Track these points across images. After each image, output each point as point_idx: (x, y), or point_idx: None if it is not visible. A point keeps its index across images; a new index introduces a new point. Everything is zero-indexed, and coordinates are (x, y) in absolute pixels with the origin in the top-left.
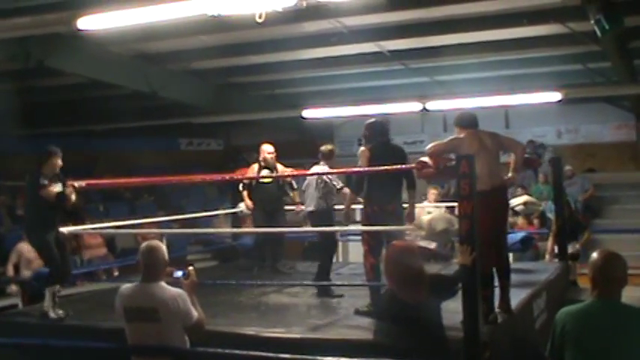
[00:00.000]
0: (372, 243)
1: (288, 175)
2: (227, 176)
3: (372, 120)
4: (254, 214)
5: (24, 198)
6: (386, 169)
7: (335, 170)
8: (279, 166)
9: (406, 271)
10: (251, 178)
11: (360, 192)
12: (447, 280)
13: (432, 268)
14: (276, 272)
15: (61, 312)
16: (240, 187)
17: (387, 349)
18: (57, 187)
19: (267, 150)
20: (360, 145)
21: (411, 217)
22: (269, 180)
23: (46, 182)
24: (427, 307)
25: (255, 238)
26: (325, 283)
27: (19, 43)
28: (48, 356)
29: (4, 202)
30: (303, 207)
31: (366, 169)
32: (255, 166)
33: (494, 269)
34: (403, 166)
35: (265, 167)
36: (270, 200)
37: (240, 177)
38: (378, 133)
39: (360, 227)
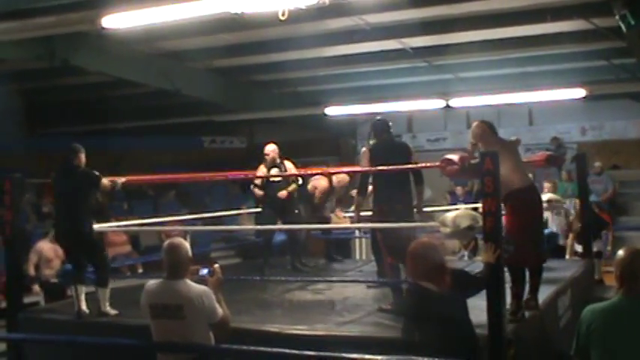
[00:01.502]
0: (388, 243)
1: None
2: (250, 174)
3: (376, 119)
4: (263, 213)
5: (54, 196)
6: (392, 169)
7: (341, 170)
8: (288, 164)
9: (429, 264)
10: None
11: (364, 193)
12: (471, 276)
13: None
14: (297, 270)
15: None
16: (252, 187)
17: (415, 346)
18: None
19: (267, 150)
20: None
21: (421, 214)
22: (278, 179)
23: None
24: (453, 299)
25: (263, 236)
26: (349, 279)
27: (44, 42)
28: (73, 352)
29: (30, 199)
30: None
31: (370, 168)
32: (262, 167)
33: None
34: (426, 163)
35: (273, 166)
36: (278, 199)
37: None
38: (379, 131)
39: (385, 225)
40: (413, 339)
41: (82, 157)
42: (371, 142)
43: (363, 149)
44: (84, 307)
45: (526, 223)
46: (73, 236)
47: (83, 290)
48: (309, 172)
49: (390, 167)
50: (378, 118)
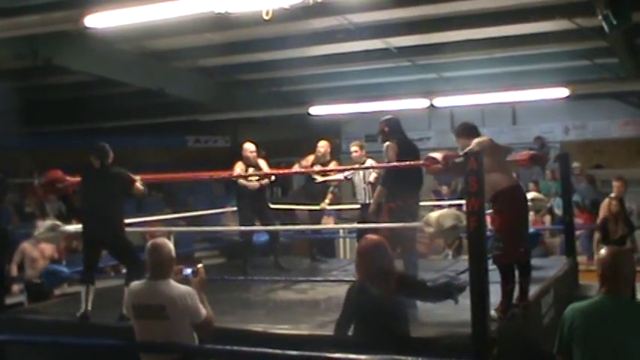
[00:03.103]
0: (392, 240)
1: (271, 174)
2: (234, 173)
3: (389, 117)
4: (241, 213)
5: (84, 197)
6: (398, 165)
7: (350, 167)
8: (263, 164)
9: (374, 265)
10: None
11: (389, 186)
12: (421, 287)
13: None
14: (279, 269)
15: None
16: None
17: (346, 342)
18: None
19: (250, 149)
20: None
21: None
22: (255, 178)
23: None
24: (392, 303)
25: (243, 236)
26: (333, 279)
27: (27, 42)
28: (56, 353)
29: (12, 199)
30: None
31: (394, 164)
32: (240, 165)
33: (514, 264)
34: (413, 162)
35: (249, 166)
36: (256, 199)
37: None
38: (398, 129)
39: (382, 224)
40: (343, 334)
41: (112, 156)
42: (393, 138)
43: (388, 143)
44: (90, 307)
45: (513, 221)
46: (105, 237)
47: (93, 291)
48: (288, 171)
49: (393, 164)
50: (390, 116)
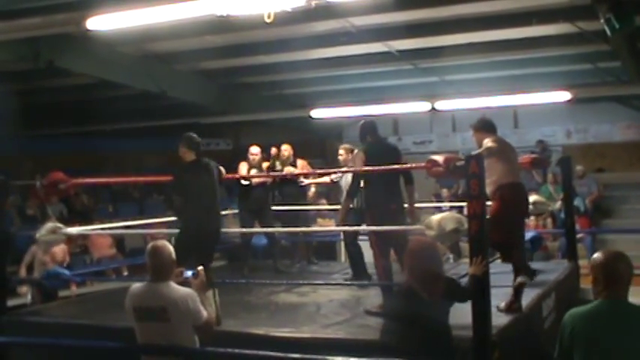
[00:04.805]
0: (381, 245)
1: (270, 176)
2: (237, 176)
3: (364, 120)
4: (240, 215)
5: (190, 191)
6: (384, 169)
7: (333, 170)
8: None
9: (428, 268)
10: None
11: (354, 198)
12: (462, 287)
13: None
14: (279, 272)
15: None
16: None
17: (393, 348)
18: None
19: (251, 151)
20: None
21: (413, 215)
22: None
23: None
24: (440, 306)
25: (242, 237)
26: (333, 282)
27: (29, 44)
28: (58, 355)
29: (15, 202)
30: None
31: (364, 169)
32: (245, 165)
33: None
34: (412, 165)
35: (252, 167)
36: (256, 200)
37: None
38: (368, 133)
39: (372, 228)
40: (390, 341)
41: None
42: (363, 144)
43: (355, 151)
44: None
45: (509, 209)
46: (217, 232)
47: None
48: (287, 174)
49: (380, 167)
50: (364, 120)
